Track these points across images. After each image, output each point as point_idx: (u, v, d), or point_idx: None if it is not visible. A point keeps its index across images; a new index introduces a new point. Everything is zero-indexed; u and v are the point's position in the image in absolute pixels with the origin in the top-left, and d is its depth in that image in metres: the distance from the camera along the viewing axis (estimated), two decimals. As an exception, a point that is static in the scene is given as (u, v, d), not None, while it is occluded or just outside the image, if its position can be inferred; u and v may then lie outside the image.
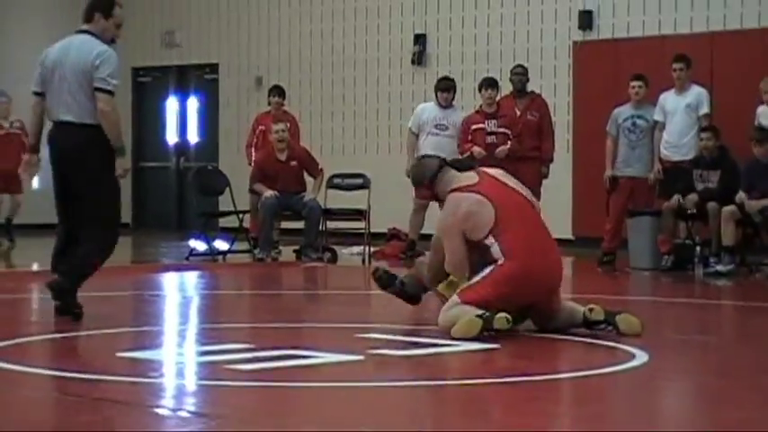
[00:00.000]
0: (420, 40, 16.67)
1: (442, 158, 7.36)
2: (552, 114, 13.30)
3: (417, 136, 12.76)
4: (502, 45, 15.97)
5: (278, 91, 13.98)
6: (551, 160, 12.79)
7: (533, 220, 6.84)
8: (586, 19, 15.37)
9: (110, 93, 7.31)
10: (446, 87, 12.87)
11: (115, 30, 7.59)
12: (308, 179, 12.83)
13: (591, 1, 15.43)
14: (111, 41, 7.55)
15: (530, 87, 13.04)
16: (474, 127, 12.35)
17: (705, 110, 11.99)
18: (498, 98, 12.59)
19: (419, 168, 7.35)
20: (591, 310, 6.66)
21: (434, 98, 12.97)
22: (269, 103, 13.94)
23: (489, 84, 12.52)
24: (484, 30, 16.25)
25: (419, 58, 16.62)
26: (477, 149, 12.19)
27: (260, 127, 13.65)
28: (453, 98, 12.92)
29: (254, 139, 13.64)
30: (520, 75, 12.92)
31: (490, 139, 12.26)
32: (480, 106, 12.63)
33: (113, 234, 7.51)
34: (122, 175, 7.41)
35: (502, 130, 12.30)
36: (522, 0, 15.92)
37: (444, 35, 16.59)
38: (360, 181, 13.38)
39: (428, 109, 12.88)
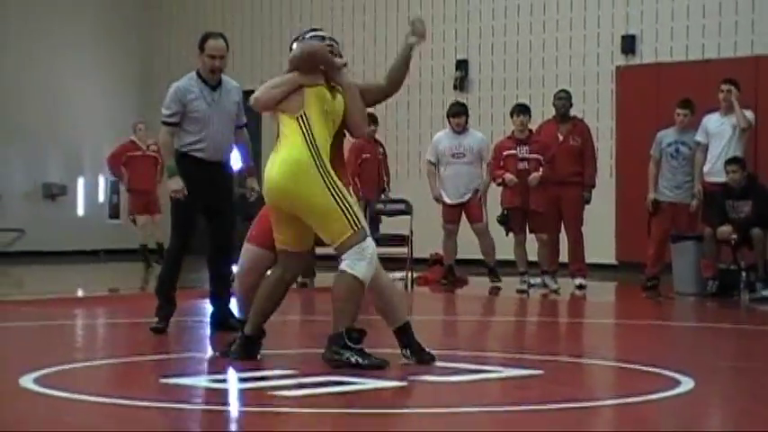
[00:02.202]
0: (462, 65, 16.71)
1: None
2: (595, 139, 13.25)
3: (436, 165, 12.89)
4: (544, 70, 15.97)
5: (372, 118, 14.11)
6: (593, 186, 12.73)
7: None
8: (629, 43, 15.35)
9: (163, 123, 7.98)
10: (457, 112, 12.97)
11: (210, 61, 7.89)
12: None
13: (634, 25, 15.41)
14: (211, 73, 7.91)
15: (572, 112, 13.00)
16: (505, 153, 12.33)
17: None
18: (530, 125, 12.53)
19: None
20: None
21: (447, 125, 13.03)
22: None
23: (521, 110, 12.49)
24: (526, 55, 16.25)
25: (461, 84, 16.64)
26: (508, 176, 12.17)
27: (364, 155, 13.06)
28: (466, 122, 12.97)
29: (359, 170, 12.89)
30: (563, 99, 12.84)
31: (522, 165, 12.22)
32: (513, 132, 12.60)
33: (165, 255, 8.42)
34: (171, 196, 7.94)
35: (534, 155, 12.25)
36: (564, 25, 15.93)
37: (486, 61, 16.60)
38: (402, 206, 13.37)
39: (443, 139, 13.01)
